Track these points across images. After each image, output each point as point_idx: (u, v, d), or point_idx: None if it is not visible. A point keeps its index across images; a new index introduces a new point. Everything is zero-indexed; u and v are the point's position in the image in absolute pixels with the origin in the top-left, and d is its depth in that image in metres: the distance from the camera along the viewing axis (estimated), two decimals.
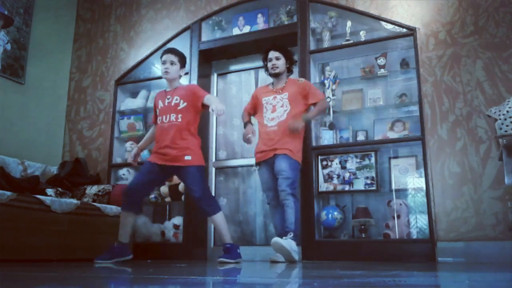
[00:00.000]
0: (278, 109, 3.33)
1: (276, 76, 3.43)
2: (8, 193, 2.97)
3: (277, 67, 3.39)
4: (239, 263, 3.12)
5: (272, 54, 3.41)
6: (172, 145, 3.17)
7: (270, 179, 3.30)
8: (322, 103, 3.36)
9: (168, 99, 3.29)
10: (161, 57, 3.35)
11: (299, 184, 3.71)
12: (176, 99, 3.26)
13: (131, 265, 2.91)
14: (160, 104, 3.31)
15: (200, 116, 4.11)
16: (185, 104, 3.24)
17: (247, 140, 3.38)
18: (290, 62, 3.46)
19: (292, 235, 3.02)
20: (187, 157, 3.16)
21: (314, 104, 3.35)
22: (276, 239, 2.99)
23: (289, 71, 3.50)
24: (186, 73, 4.29)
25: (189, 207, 3.96)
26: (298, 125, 3.20)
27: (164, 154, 3.19)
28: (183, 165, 3.16)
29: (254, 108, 3.52)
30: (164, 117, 3.25)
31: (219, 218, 3.20)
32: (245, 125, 3.47)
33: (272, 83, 3.51)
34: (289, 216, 3.07)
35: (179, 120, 3.20)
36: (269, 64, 3.42)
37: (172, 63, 3.28)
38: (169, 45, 4.50)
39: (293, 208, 3.07)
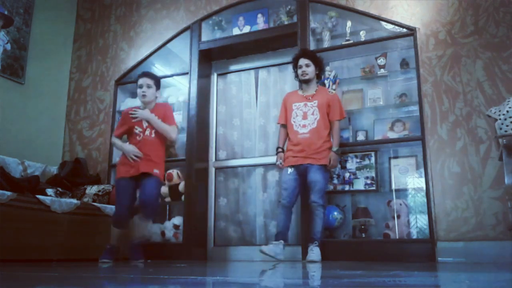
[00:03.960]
0: (309, 116, 3.44)
1: (306, 82, 3.53)
2: (8, 193, 2.97)
3: (307, 74, 3.49)
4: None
5: (302, 61, 3.50)
6: (146, 157, 3.32)
7: (292, 182, 3.38)
8: (337, 127, 3.45)
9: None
10: (137, 81, 3.48)
11: None
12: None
13: (131, 265, 2.91)
14: (144, 124, 3.40)
15: (200, 116, 4.16)
16: (159, 120, 3.40)
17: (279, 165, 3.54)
18: (319, 69, 3.56)
19: (317, 243, 3.26)
20: (156, 171, 3.35)
21: (331, 121, 3.46)
22: (312, 258, 3.19)
23: (318, 77, 3.60)
24: (186, 73, 4.30)
25: (189, 207, 3.96)
26: (336, 164, 3.43)
27: (135, 166, 3.31)
28: (151, 172, 3.32)
29: (287, 118, 3.57)
30: (139, 133, 3.37)
31: (143, 223, 3.35)
32: (277, 150, 3.58)
33: (301, 89, 3.59)
34: (317, 225, 3.27)
35: (153, 136, 3.38)
36: (299, 71, 3.52)
37: (148, 86, 3.42)
38: (169, 45, 4.52)
39: (322, 219, 3.27)
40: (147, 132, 3.36)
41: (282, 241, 3.31)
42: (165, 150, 3.56)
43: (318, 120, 3.41)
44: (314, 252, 3.20)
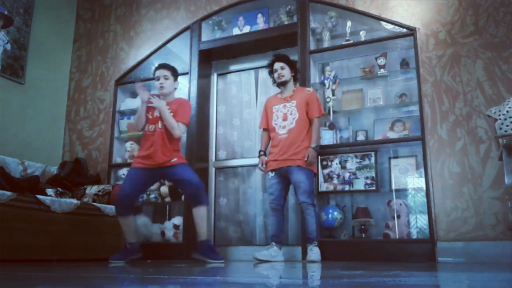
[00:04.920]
0: (288, 116, 3.48)
1: (283, 84, 3.57)
2: (8, 193, 2.97)
3: (283, 76, 3.54)
4: (222, 263, 3.18)
5: (277, 65, 3.55)
6: (157, 148, 3.26)
7: (277, 185, 3.44)
8: (316, 124, 3.46)
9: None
10: (154, 74, 3.44)
11: None
12: (171, 113, 3.35)
13: (131, 265, 2.91)
14: (156, 112, 3.34)
15: (200, 116, 4.14)
16: (170, 114, 3.34)
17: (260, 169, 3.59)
18: (294, 71, 3.59)
19: (316, 243, 3.27)
20: (175, 159, 3.30)
21: (310, 119, 3.48)
22: (312, 258, 3.20)
23: (295, 79, 3.62)
24: (186, 73, 4.30)
25: (189, 207, 3.95)
26: (314, 160, 3.39)
27: (151, 157, 3.27)
28: (170, 164, 3.27)
29: (268, 122, 3.61)
30: (151, 126, 3.33)
31: (204, 212, 3.29)
32: (259, 153, 3.62)
33: (281, 92, 3.62)
34: (310, 225, 3.28)
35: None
36: (275, 75, 3.57)
37: (166, 78, 3.36)
38: (169, 45, 4.52)
39: (314, 217, 3.28)
40: (159, 124, 3.31)
41: (273, 243, 3.38)
42: (178, 142, 3.46)
43: (297, 119, 3.44)
44: (314, 252, 3.22)
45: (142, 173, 3.29)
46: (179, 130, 3.32)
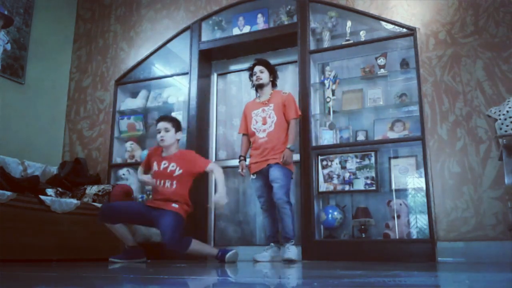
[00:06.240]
0: (267, 120, 3.54)
1: (260, 87, 3.65)
2: (8, 193, 2.97)
3: (261, 79, 3.62)
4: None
5: (257, 68, 3.66)
6: (165, 200, 3.27)
7: (262, 187, 3.50)
8: (293, 126, 3.50)
9: (164, 164, 3.34)
10: (156, 125, 3.43)
11: (299, 184, 3.73)
12: (173, 166, 3.32)
13: (131, 265, 2.91)
14: (155, 166, 3.36)
15: (200, 116, 4.12)
16: (180, 171, 3.30)
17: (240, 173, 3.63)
18: (273, 76, 3.68)
19: (292, 242, 3.31)
20: (174, 205, 3.23)
21: (287, 120, 3.53)
22: (288, 255, 3.23)
23: (273, 84, 3.70)
24: (186, 73, 4.30)
25: None
26: (290, 160, 3.41)
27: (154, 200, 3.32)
28: (167, 209, 3.21)
29: (247, 127, 3.66)
30: (158, 181, 3.31)
31: (194, 248, 3.21)
32: (239, 158, 3.64)
33: (259, 97, 3.70)
34: (287, 224, 3.32)
35: (174, 186, 3.29)
36: (254, 77, 3.66)
37: (166, 130, 3.34)
38: (169, 45, 4.52)
39: (290, 216, 3.33)
40: (167, 184, 3.30)
41: (272, 244, 3.44)
42: (189, 187, 3.40)
43: (275, 122, 3.51)
44: (291, 251, 3.26)
45: (143, 210, 3.29)
46: (215, 165, 3.37)
